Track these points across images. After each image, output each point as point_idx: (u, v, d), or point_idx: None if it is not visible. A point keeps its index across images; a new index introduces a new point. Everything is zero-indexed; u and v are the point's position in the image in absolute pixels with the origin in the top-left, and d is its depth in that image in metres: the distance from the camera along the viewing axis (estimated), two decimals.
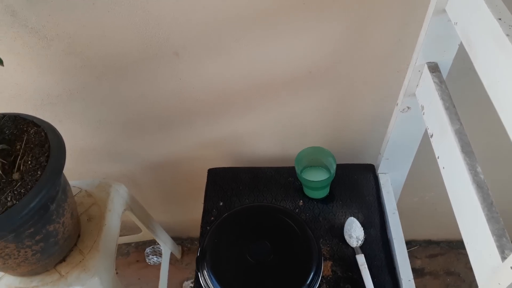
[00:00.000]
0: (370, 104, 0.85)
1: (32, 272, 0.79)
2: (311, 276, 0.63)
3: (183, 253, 1.36)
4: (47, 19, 0.71)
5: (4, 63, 0.65)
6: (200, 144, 0.97)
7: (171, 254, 1.28)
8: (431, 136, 0.64)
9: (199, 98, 0.85)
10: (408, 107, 0.74)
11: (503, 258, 0.44)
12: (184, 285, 1.29)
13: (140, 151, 1.01)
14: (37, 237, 0.70)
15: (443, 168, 0.60)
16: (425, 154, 0.91)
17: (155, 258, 1.34)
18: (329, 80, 0.80)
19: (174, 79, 0.81)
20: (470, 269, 1.31)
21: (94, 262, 0.81)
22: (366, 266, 0.76)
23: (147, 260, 1.34)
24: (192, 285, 1.28)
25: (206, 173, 0.96)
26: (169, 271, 1.18)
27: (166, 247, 1.23)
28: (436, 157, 0.62)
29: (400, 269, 0.78)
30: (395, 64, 0.77)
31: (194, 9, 0.69)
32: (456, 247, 1.30)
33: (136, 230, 1.21)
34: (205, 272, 0.64)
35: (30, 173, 0.66)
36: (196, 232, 1.35)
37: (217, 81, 0.81)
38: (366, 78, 0.79)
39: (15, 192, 0.64)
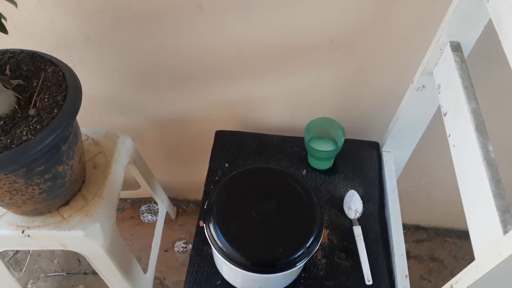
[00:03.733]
0: (384, 80, 0.86)
1: (35, 212, 0.80)
2: (311, 239, 0.65)
3: (177, 214, 1.38)
4: None
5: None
6: (210, 105, 0.98)
7: (166, 214, 1.30)
8: (445, 114, 0.65)
9: (216, 56, 0.85)
10: (423, 86, 0.75)
11: (505, 232, 0.46)
12: (176, 244, 1.31)
13: (149, 106, 1.02)
14: (46, 176, 0.71)
15: (453, 146, 0.61)
16: (428, 139, 0.93)
17: (150, 216, 1.36)
18: (349, 51, 0.80)
19: (195, 33, 0.81)
20: (454, 257, 1.35)
21: (97, 209, 0.82)
22: (362, 237, 0.79)
23: (142, 218, 1.36)
24: (184, 245, 1.30)
25: (213, 135, 0.97)
26: (163, 230, 1.20)
27: (163, 205, 1.25)
28: (447, 135, 0.63)
29: (394, 244, 0.80)
30: (416, 42, 0.77)
31: None
32: (443, 234, 1.34)
33: (134, 186, 1.22)
34: (211, 225, 0.65)
35: (46, 110, 0.66)
36: (193, 194, 1.38)
37: (237, 40, 0.81)
38: (385, 53, 0.80)
39: (31, 127, 0.64)
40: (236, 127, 1.01)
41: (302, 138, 0.92)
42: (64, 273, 1.24)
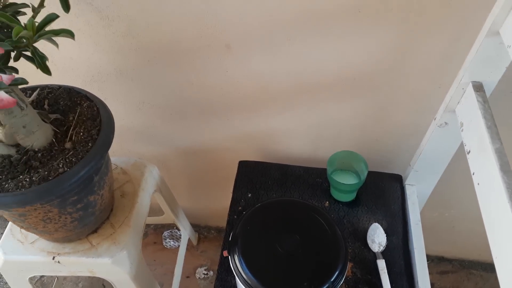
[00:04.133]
0: (406, 115, 0.87)
1: (66, 239, 0.83)
2: (336, 274, 0.65)
3: (199, 240, 1.39)
4: (112, 0, 0.75)
5: (65, 38, 0.68)
6: (234, 136, 1.01)
7: (188, 240, 1.32)
8: (468, 152, 0.66)
9: (241, 91, 0.88)
10: (446, 123, 0.76)
11: None
12: (197, 271, 1.32)
13: (175, 136, 1.05)
14: (79, 205, 0.74)
15: (478, 184, 0.62)
16: (452, 172, 0.93)
17: (172, 242, 1.38)
18: (371, 87, 0.82)
19: (221, 70, 0.84)
20: None
21: (124, 237, 0.85)
22: (386, 271, 0.79)
23: (164, 243, 1.38)
24: (205, 272, 1.31)
25: (235, 165, 1.00)
26: (185, 256, 1.21)
27: (185, 232, 1.27)
28: (472, 173, 0.64)
29: (418, 278, 0.80)
30: (438, 79, 0.79)
31: (253, 4, 0.72)
32: (468, 266, 1.31)
33: (158, 212, 1.24)
34: (235, 256, 0.67)
35: (81, 144, 0.70)
36: (215, 221, 1.40)
37: (262, 77, 0.84)
38: (407, 90, 0.82)
39: (67, 160, 0.68)
40: (259, 157, 1.04)
41: (324, 170, 0.94)
42: None
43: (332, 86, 0.83)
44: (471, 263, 1.31)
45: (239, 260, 0.66)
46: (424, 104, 0.84)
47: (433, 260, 1.32)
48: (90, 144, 0.70)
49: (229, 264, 0.79)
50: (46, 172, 0.66)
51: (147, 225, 1.42)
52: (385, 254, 0.82)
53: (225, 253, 0.78)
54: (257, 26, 0.75)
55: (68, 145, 0.70)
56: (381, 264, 0.79)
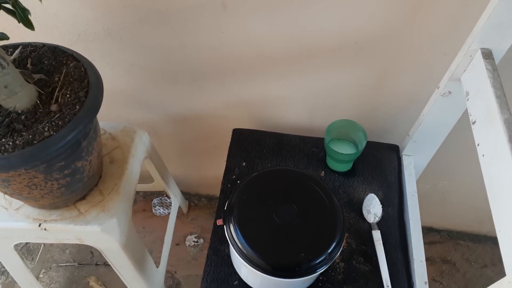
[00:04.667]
0: (408, 84, 0.84)
1: (52, 206, 0.80)
2: (333, 245, 0.64)
3: (189, 208, 1.38)
4: None
5: None
6: (228, 103, 0.97)
7: (178, 207, 1.30)
8: (474, 123, 0.64)
9: (237, 54, 0.84)
10: (450, 92, 0.74)
11: None
12: (187, 239, 1.31)
13: (167, 102, 1.01)
14: (66, 171, 0.70)
15: (483, 155, 0.60)
16: (448, 143, 0.91)
17: (162, 210, 1.36)
18: (373, 53, 0.79)
19: (217, 32, 0.79)
20: (466, 260, 1.34)
21: (114, 204, 0.82)
22: (381, 242, 0.78)
23: (154, 211, 1.36)
24: (196, 239, 1.30)
25: (228, 133, 0.97)
26: (175, 223, 1.20)
27: (176, 199, 1.25)
28: (476, 144, 0.62)
29: (413, 250, 0.80)
30: (443, 47, 0.76)
31: None
32: (456, 237, 1.33)
33: (147, 179, 1.22)
34: (231, 226, 0.65)
35: (68, 106, 0.66)
36: (205, 189, 1.38)
37: (260, 39, 0.80)
38: (411, 57, 0.78)
39: (53, 123, 0.64)
40: (253, 125, 1.01)
41: (321, 139, 0.92)
42: (76, 264, 1.25)
43: (332, 51, 0.79)
44: (459, 234, 1.33)
45: (235, 230, 0.64)
46: (426, 73, 0.81)
47: (422, 231, 1.33)
48: (77, 106, 0.66)
49: (223, 233, 0.77)
50: (30, 136, 0.62)
51: (137, 193, 1.39)
52: (380, 225, 0.81)
53: (219, 222, 0.76)
54: None
55: (54, 107, 0.66)
56: (377, 235, 0.79)
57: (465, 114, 0.69)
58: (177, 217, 1.25)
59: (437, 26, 0.73)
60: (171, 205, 1.28)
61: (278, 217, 0.65)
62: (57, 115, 0.65)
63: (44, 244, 1.22)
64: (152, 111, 1.05)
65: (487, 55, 0.65)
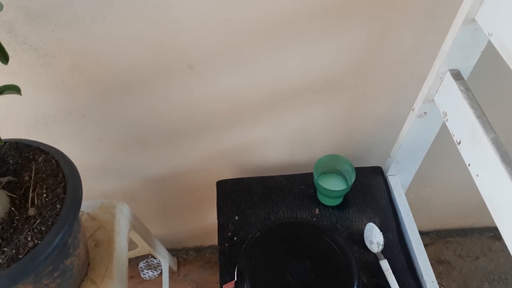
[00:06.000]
0: (382, 108, 0.86)
1: None
2: None
3: (179, 264, 1.32)
4: (50, 36, 0.65)
5: None
6: (206, 156, 0.94)
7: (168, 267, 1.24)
8: (459, 143, 0.65)
9: (210, 110, 0.82)
10: (425, 113, 0.76)
11: None
12: None
13: (141, 167, 0.96)
14: (55, 274, 0.65)
15: (477, 175, 0.61)
16: (426, 155, 0.94)
17: (150, 273, 1.29)
18: (344, 87, 0.80)
19: (186, 92, 0.77)
20: (459, 256, 1.37)
21: None
22: (391, 271, 0.78)
23: (142, 275, 1.29)
24: None
25: (210, 184, 0.94)
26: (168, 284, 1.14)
27: (165, 260, 1.19)
28: (467, 164, 0.63)
29: (422, 271, 0.80)
30: (410, 70, 0.78)
31: (214, 22, 0.65)
32: (444, 235, 1.36)
33: (131, 245, 1.15)
34: None
35: (48, 208, 0.61)
36: (192, 241, 1.33)
37: (231, 92, 0.78)
38: (381, 84, 0.80)
39: (35, 231, 0.58)
40: (235, 173, 0.98)
41: (306, 175, 0.91)
42: None
43: (304, 91, 0.79)
44: (447, 232, 1.37)
45: None
46: (398, 95, 0.83)
47: None
48: (58, 205, 0.61)
49: None
50: (14, 250, 0.56)
51: None
52: (384, 252, 0.81)
53: (226, 287, 0.73)
54: (220, 42, 0.69)
55: (31, 211, 0.61)
56: (385, 264, 0.78)
57: (441, 127, 0.71)
58: (169, 277, 1.20)
59: (401, 53, 0.75)
60: (158, 265, 1.22)
61: (292, 276, 0.63)
62: (38, 220, 0.59)
63: None
64: (125, 178, 1.00)
65: (457, 75, 0.67)
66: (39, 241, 0.57)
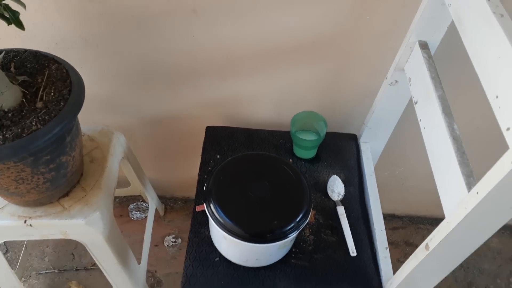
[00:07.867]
0: (361, 77, 0.95)
1: (37, 202, 0.84)
2: (301, 213, 0.72)
3: (165, 211, 1.42)
4: None
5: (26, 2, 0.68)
6: (200, 103, 1.04)
7: (155, 210, 1.34)
8: (416, 103, 0.74)
9: (208, 57, 0.92)
10: (396, 81, 0.85)
11: (469, 189, 0.55)
12: (165, 239, 1.35)
13: (141, 105, 1.07)
14: (51, 165, 0.75)
15: (424, 128, 0.70)
16: (401, 133, 1.02)
17: (138, 214, 1.40)
18: (329, 51, 0.89)
19: (188, 36, 0.87)
20: None
21: (96, 199, 0.87)
22: (345, 215, 0.87)
23: (130, 215, 1.40)
24: (174, 240, 1.35)
25: (202, 133, 1.03)
26: (152, 226, 1.24)
27: (153, 202, 1.29)
28: (419, 119, 0.72)
29: (374, 221, 0.89)
30: (389, 42, 0.87)
31: None
32: (416, 222, 1.44)
33: (124, 184, 1.26)
34: (211, 204, 0.72)
35: (53, 103, 0.71)
36: (181, 192, 1.43)
37: (228, 42, 0.88)
38: (362, 53, 0.89)
39: (40, 118, 0.69)
40: (226, 123, 1.08)
41: (287, 132, 1.00)
42: (56, 270, 1.26)
43: (292, 51, 0.89)
44: (419, 219, 1.44)
45: (215, 207, 0.71)
46: (377, 66, 0.92)
47: (385, 218, 1.43)
48: (62, 103, 0.72)
49: (202, 218, 0.84)
50: (19, 130, 0.67)
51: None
52: (343, 202, 0.90)
53: (198, 208, 0.83)
54: None
55: (39, 104, 0.71)
56: (341, 210, 0.87)
57: (412, 102, 0.79)
58: (154, 219, 1.30)
59: (381, 24, 0.84)
60: (147, 210, 1.32)
61: (253, 193, 0.73)
62: (43, 111, 0.70)
63: (22, 252, 1.23)
64: (126, 114, 1.11)
65: (424, 46, 0.76)
66: (41, 126, 0.68)
